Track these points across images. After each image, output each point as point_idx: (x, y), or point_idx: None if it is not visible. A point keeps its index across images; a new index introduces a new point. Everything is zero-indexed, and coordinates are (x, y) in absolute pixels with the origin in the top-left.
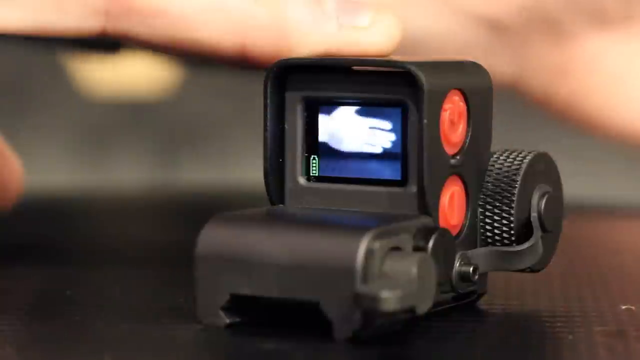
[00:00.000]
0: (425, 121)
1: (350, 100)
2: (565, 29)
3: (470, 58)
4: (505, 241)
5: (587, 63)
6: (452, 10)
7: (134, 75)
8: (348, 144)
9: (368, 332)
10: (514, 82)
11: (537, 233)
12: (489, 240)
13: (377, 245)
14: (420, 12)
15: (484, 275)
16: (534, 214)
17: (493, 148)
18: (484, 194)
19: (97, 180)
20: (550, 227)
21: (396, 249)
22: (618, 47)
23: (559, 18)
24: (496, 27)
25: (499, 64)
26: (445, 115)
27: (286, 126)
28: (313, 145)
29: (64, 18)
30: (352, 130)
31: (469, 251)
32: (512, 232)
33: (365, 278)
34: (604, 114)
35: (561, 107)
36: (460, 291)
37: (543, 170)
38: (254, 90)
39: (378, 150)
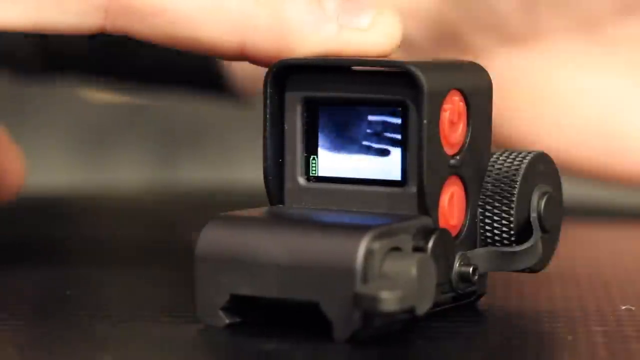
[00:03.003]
0: (425, 121)
1: (350, 100)
2: (471, 45)
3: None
4: (505, 241)
5: (503, 83)
6: None
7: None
8: (348, 144)
9: (368, 333)
10: None
11: (537, 233)
12: (489, 240)
13: (376, 245)
14: None
15: (483, 276)
16: (533, 215)
17: (493, 148)
18: (483, 194)
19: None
20: (550, 227)
21: (396, 249)
22: (531, 63)
23: (466, 34)
24: (406, 44)
25: None
26: (445, 116)
27: (286, 126)
28: (313, 145)
29: (63, 16)
30: (351, 130)
31: (469, 251)
32: (512, 232)
33: (365, 278)
34: (527, 138)
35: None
36: (460, 291)
37: (543, 170)
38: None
39: (378, 150)
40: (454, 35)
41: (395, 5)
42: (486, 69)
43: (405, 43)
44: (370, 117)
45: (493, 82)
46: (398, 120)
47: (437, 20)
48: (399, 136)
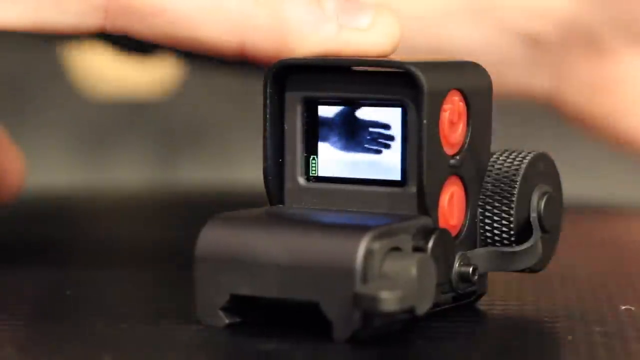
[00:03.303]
0: (425, 121)
1: (350, 100)
2: (605, 46)
3: (508, 72)
4: (505, 241)
5: (626, 82)
6: (492, 25)
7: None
8: (348, 144)
9: (368, 333)
10: (550, 97)
11: (537, 233)
12: (489, 240)
13: (376, 245)
14: (460, 25)
15: (483, 276)
16: (533, 215)
17: (493, 148)
18: (483, 194)
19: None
20: (550, 227)
21: (396, 249)
22: None
23: (598, 34)
24: (535, 42)
25: (536, 79)
26: (445, 116)
27: (286, 126)
28: (313, 145)
29: (63, 15)
30: (351, 130)
31: (469, 251)
32: (512, 232)
33: (365, 278)
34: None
35: (597, 125)
36: (460, 291)
37: (543, 170)
38: (254, 90)
39: (378, 150)
40: (585, 35)
41: (522, 3)
42: (610, 67)
43: (531, 40)
44: (370, 117)
45: (610, 80)
46: (398, 120)
47: (570, 21)
48: (398, 136)
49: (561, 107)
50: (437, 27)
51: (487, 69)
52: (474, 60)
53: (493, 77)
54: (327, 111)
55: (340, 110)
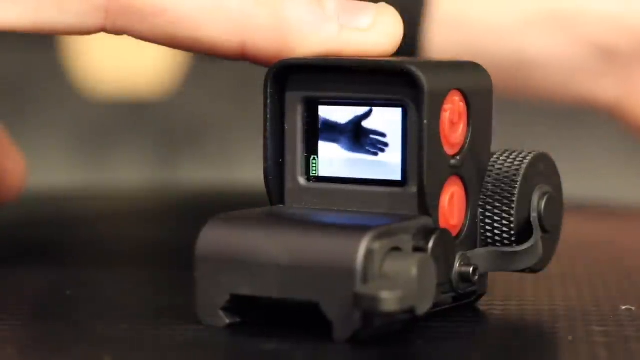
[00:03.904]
0: (425, 121)
1: (350, 101)
2: None
3: (576, 80)
4: (505, 241)
5: None
6: (568, 35)
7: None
8: (348, 144)
9: (368, 333)
10: (616, 107)
11: (537, 233)
12: (489, 240)
13: (377, 245)
14: (537, 36)
15: (483, 276)
16: (534, 215)
17: (493, 148)
18: (484, 195)
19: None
20: (550, 227)
21: (396, 249)
22: None
23: None
24: (608, 53)
25: (603, 88)
26: (445, 116)
27: (286, 126)
28: (313, 145)
29: (63, 16)
30: (352, 130)
31: (469, 251)
32: (512, 232)
33: (365, 278)
34: None
35: None
36: (460, 291)
37: (543, 170)
38: (254, 90)
39: (378, 150)
40: None
41: (599, 13)
42: None
43: (605, 51)
44: (371, 117)
45: None
46: (398, 121)
47: None
48: (399, 136)
49: (626, 117)
50: (515, 37)
51: (556, 77)
52: (547, 71)
53: (563, 85)
54: (327, 111)
55: (341, 110)
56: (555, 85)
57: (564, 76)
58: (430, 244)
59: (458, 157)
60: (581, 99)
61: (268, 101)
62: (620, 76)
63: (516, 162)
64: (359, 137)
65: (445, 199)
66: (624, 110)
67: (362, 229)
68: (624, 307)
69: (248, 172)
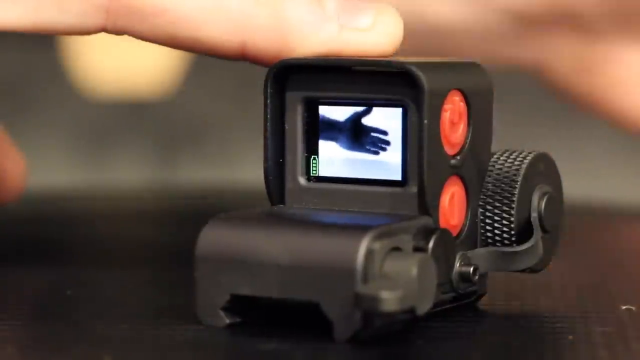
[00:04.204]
0: (425, 121)
1: (350, 101)
2: (592, 27)
3: (493, 47)
4: (506, 241)
5: (611, 61)
6: (476, 3)
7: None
8: (348, 144)
9: (368, 333)
10: (536, 69)
11: (537, 233)
12: (489, 240)
13: (377, 245)
14: (440, 3)
15: (484, 276)
16: (534, 215)
17: (493, 148)
18: (484, 194)
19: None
20: (550, 227)
21: (396, 249)
22: None
23: (585, 15)
24: (522, 18)
25: (522, 51)
26: (445, 116)
27: (286, 126)
28: (313, 145)
29: (63, 16)
30: (352, 130)
31: (469, 251)
32: (512, 232)
33: (365, 278)
34: (629, 112)
35: (584, 99)
36: (460, 291)
37: (543, 170)
38: (254, 90)
39: (378, 150)
40: (569, 13)
41: None
42: (597, 47)
43: (575, 16)
44: (371, 117)
45: (596, 58)
46: (398, 120)
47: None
48: (399, 136)
49: (547, 80)
50: (422, 3)
51: (471, 43)
52: (459, 37)
53: (478, 51)
54: (327, 111)
55: (341, 110)
56: (471, 51)
57: (476, 42)
58: (431, 244)
59: (458, 157)
60: (503, 62)
61: (268, 101)
62: (536, 39)
63: (516, 162)
64: (359, 136)
65: (445, 199)
66: (544, 72)
67: (362, 229)
68: (624, 307)
69: (248, 172)
